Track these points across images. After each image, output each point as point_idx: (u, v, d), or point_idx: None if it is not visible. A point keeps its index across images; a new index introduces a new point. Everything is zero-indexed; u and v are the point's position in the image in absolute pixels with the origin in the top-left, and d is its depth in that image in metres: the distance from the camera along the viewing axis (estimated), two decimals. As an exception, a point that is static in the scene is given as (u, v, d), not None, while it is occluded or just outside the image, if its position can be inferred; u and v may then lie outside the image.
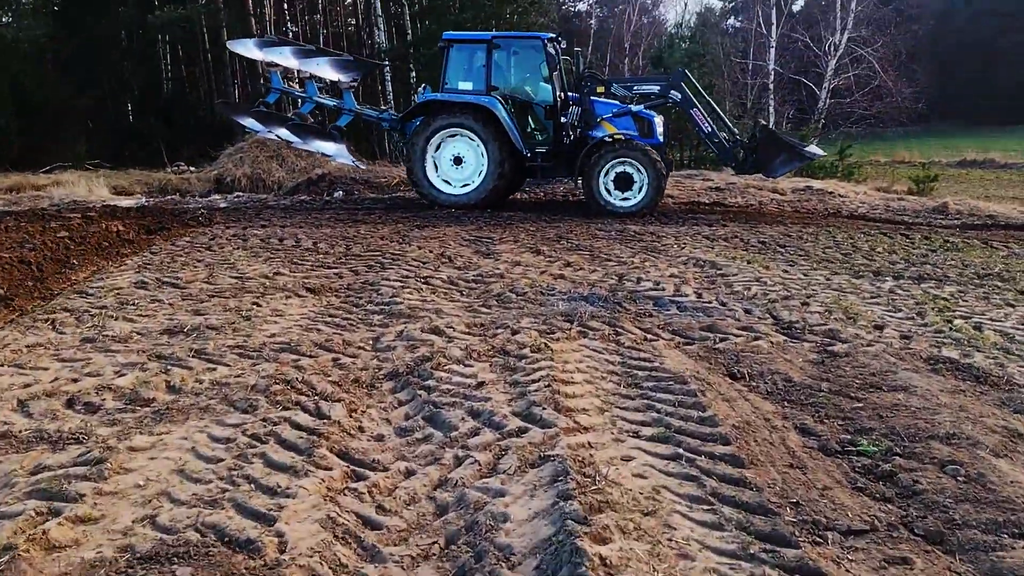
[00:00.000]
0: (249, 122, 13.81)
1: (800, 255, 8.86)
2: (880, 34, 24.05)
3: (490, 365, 4.85)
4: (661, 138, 12.56)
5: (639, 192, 12.05)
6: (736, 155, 12.66)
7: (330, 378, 4.63)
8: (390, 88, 29.55)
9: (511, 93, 12.80)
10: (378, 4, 30.64)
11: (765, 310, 6.26)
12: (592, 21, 57.12)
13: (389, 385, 4.60)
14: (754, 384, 4.55)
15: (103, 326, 5.66)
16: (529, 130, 12.89)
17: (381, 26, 31.18)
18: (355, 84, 14.13)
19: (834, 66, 24.08)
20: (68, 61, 28.77)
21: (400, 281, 7.23)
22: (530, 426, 3.85)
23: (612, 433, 3.80)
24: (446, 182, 12.71)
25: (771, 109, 24.67)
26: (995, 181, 24.48)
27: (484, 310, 6.24)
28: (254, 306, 6.30)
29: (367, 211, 12.78)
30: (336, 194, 16.11)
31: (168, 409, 4.12)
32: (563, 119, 12.69)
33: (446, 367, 4.79)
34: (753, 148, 12.50)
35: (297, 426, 3.90)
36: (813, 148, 12.80)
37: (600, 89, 12.76)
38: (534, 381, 4.47)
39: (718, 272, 7.77)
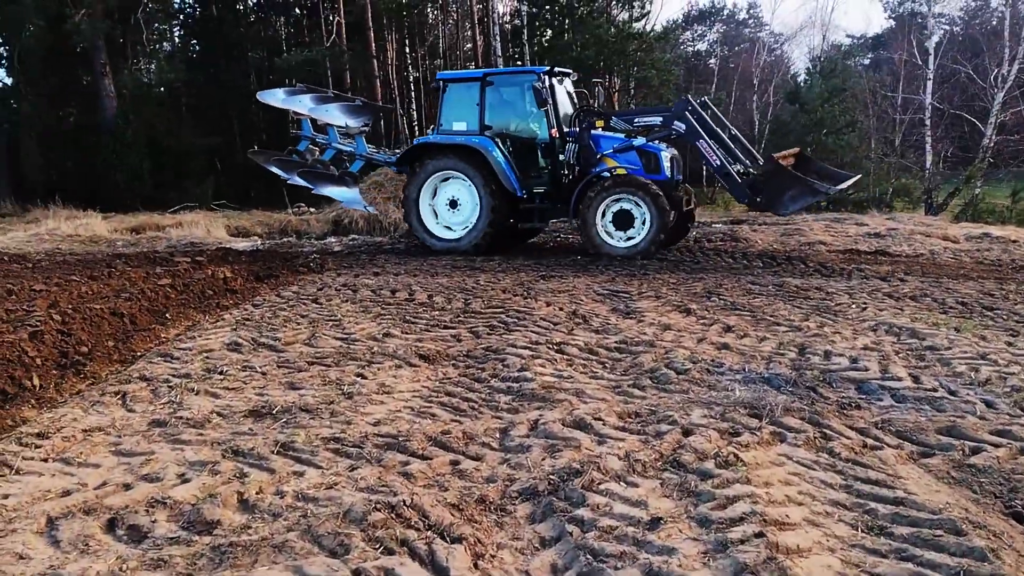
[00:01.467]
0: (274, 169, 13.73)
1: (1018, 321, 7.15)
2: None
3: (662, 485, 3.56)
4: (668, 173, 11.34)
5: (642, 229, 10.96)
6: (748, 191, 10.97)
7: (447, 496, 3.45)
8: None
9: (506, 132, 11.96)
10: (498, 46, 30.24)
11: (1013, 403, 4.70)
12: (713, 60, 55.54)
13: (525, 509, 3.38)
14: (1066, 539, 3.07)
15: (180, 403, 4.71)
16: (529, 171, 11.96)
17: (501, 67, 30.72)
18: (366, 128, 13.86)
19: (1001, 99, 21.61)
20: (199, 104, 29.61)
21: (529, 348, 6.04)
22: (748, 614, 2.53)
23: (882, 636, 2.43)
24: (443, 226, 12.19)
25: (927, 146, 22.38)
26: None
27: (637, 392, 4.96)
28: (358, 379, 5.24)
29: (485, 257, 11.74)
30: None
31: (232, 545, 3.02)
32: (561, 157, 11.73)
33: (602, 486, 3.53)
34: (760, 184, 10.91)
35: (402, 587, 2.73)
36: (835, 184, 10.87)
37: (600, 123, 11.68)
38: (734, 522, 3.15)
39: (924, 344, 6.20)
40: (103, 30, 24.37)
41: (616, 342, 6.24)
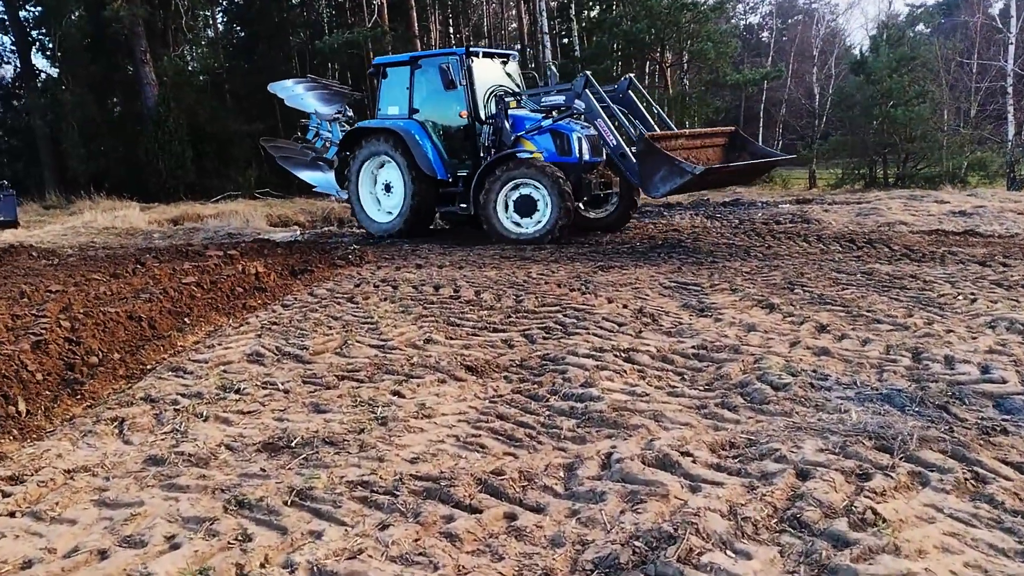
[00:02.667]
0: (275, 155, 14.64)
1: None
2: None
3: (782, 555, 2.72)
4: (578, 155, 10.79)
5: (545, 214, 10.71)
6: None
7: (502, 570, 2.67)
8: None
9: (435, 115, 11.79)
10: (544, 23, 29.23)
11: None
12: (765, 33, 53.64)
13: (605, 591, 2.58)
14: None
15: (185, 432, 4.00)
16: (459, 154, 11.74)
17: (547, 44, 29.75)
18: (339, 116, 14.02)
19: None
20: (241, 90, 29.19)
21: (592, 356, 5.21)
22: None
23: None
24: (385, 211, 12.35)
25: (1009, 116, 20.80)
26: None
27: (728, 415, 4.11)
28: (394, 398, 4.48)
29: (536, 245, 10.92)
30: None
31: (217, 654, 2.28)
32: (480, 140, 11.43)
33: (704, 557, 2.70)
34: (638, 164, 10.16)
35: None
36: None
37: (513, 104, 11.30)
38: (897, 625, 2.30)
39: (1062, 346, 5.22)
40: (142, 15, 24.02)
41: (693, 347, 5.38)
